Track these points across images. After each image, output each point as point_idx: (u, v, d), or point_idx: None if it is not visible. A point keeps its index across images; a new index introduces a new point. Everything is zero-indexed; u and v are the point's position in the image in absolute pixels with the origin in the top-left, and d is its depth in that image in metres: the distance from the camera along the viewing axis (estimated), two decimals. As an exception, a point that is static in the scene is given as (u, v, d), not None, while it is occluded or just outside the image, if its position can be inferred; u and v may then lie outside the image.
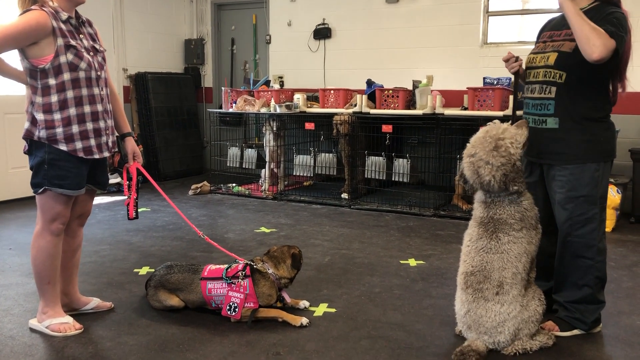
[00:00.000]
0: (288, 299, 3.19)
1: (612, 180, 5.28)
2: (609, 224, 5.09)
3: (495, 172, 2.58)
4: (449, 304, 3.10)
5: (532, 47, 3.08)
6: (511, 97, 5.22)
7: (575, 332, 2.92)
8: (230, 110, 6.82)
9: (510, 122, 2.78)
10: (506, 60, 3.01)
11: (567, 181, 2.81)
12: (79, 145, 2.77)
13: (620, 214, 5.35)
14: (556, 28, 2.93)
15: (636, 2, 5.50)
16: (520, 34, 6.45)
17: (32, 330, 2.95)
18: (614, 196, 5.11)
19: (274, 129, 6.43)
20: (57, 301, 2.95)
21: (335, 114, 6.09)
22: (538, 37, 3.08)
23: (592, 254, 2.82)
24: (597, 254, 2.83)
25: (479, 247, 2.67)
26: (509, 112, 5.11)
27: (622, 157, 5.29)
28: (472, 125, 5.18)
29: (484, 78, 5.97)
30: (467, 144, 2.71)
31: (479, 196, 2.75)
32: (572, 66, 2.75)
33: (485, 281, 2.64)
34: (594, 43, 2.51)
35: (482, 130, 2.71)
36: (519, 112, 3.24)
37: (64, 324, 2.90)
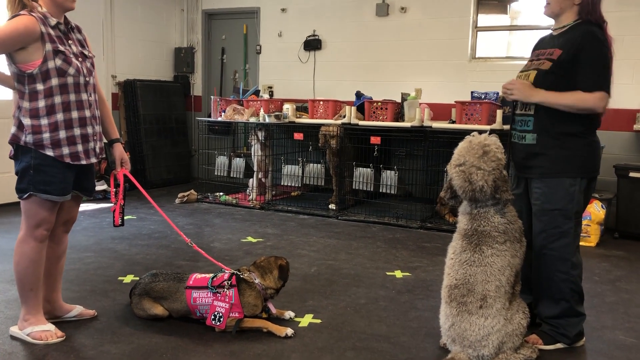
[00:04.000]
0: (273, 310, 3.18)
1: (596, 195, 5.33)
2: (593, 239, 5.14)
3: (488, 177, 2.61)
4: (434, 316, 3.10)
5: (519, 62, 3.13)
6: (499, 112, 5.28)
7: (559, 345, 2.93)
8: (219, 119, 6.83)
9: (489, 132, 2.83)
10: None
11: (542, 194, 2.86)
12: (65, 150, 2.76)
13: (605, 229, 5.40)
14: (543, 47, 2.99)
15: (616, 21, 5.56)
16: (508, 49, 6.53)
17: (13, 337, 2.91)
18: (598, 211, 5.17)
19: (261, 139, 6.44)
20: (39, 308, 2.92)
21: (324, 124, 6.11)
22: (530, 55, 3.13)
23: (567, 267, 2.86)
24: (572, 268, 2.87)
25: (462, 259, 2.69)
26: (496, 126, 5.15)
27: (607, 173, 5.35)
28: (460, 138, 5.22)
29: (472, 92, 6.03)
30: (453, 156, 2.74)
31: (463, 208, 2.77)
32: (550, 84, 2.80)
33: (468, 294, 2.64)
34: (590, 108, 2.73)
35: (465, 140, 2.75)
36: (507, 127, 3.29)
37: (45, 331, 2.86)
